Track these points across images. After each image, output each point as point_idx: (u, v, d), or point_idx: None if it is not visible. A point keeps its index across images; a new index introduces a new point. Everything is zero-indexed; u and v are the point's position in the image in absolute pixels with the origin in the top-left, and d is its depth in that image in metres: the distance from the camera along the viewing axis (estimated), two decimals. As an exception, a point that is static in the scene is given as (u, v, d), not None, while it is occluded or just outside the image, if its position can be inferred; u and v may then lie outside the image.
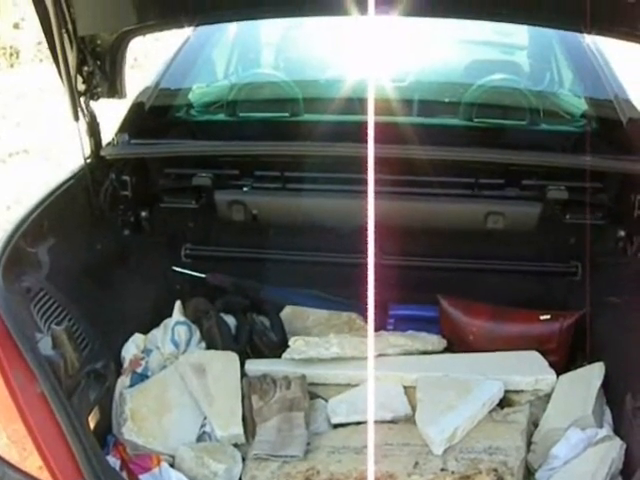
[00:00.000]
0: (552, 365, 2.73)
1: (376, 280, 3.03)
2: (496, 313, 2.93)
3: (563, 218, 3.05)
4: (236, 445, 2.45)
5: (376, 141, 2.64)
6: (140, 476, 2.28)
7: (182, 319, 2.87)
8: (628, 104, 3.15)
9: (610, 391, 2.60)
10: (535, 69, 4.02)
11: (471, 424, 2.42)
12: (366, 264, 3.03)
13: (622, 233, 3.01)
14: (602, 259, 3.07)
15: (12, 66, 10.96)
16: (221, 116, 3.40)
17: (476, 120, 3.16)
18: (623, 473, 2.30)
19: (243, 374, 2.70)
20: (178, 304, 2.93)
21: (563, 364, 2.80)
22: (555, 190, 2.98)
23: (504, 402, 2.61)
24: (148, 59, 8.68)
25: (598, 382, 2.58)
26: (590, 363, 2.73)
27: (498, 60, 4.19)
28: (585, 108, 3.40)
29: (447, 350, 2.92)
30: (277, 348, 2.88)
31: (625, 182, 2.97)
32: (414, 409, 2.53)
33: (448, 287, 3.09)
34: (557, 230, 3.12)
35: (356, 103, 3.12)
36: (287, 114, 3.24)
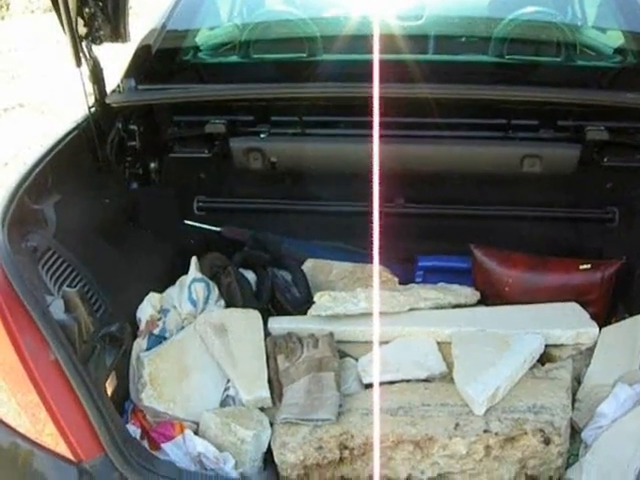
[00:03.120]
0: (593, 317, 2.58)
1: (401, 230, 2.90)
2: (533, 263, 2.77)
3: (600, 161, 2.88)
4: (262, 409, 2.31)
5: (402, 80, 2.48)
6: (163, 445, 2.15)
7: (199, 276, 2.71)
8: None
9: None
10: (569, 1, 3.79)
11: (512, 382, 2.27)
12: (391, 213, 2.89)
13: None
14: None
15: (2, 18, 10.74)
16: (234, 58, 3.23)
17: (508, 57, 2.98)
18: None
19: (267, 333, 2.55)
20: (194, 260, 2.76)
21: (604, 316, 2.66)
22: (595, 130, 2.81)
23: (544, 357, 2.46)
24: (145, 8, 8.49)
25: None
26: (633, 315, 2.58)
27: None
28: (623, 42, 3.21)
29: (480, 303, 2.77)
30: (301, 304, 2.73)
31: None
32: (449, 367, 2.39)
33: (478, 236, 2.94)
34: (594, 174, 2.95)
35: (378, 41, 2.93)
36: (304, 54, 3.07)
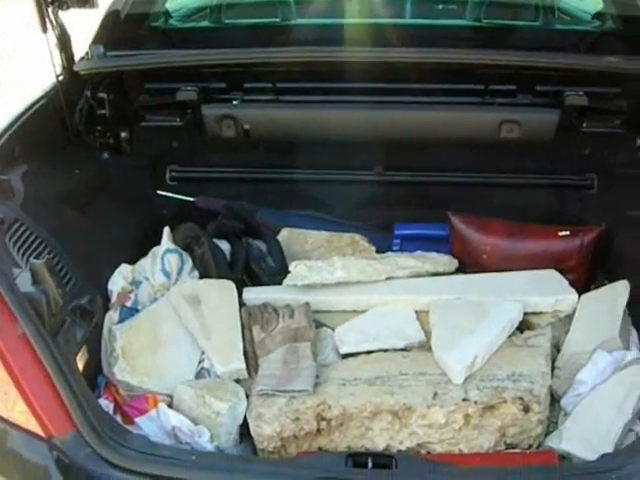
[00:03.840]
0: (572, 284, 2.55)
1: (379, 198, 2.86)
2: (511, 230, 2.73)
3: (579, 126, 2.85)
4: (238, 381, 2.27)
5: (378, 45, 2.41)
6: (136, 419, 2.11)
7: (172, 247, 2.65)
8: None
9: (635, 311, 2.44)
10: None
11: (491, 350, 2.24)
12: (368, 181, 2.85)
13: None
14: (620, 170, 2.89)
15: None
16: (205, 23, 3.15)
17: (485, 20, 2.93)
18: (655, 398, 2.16)
19: (241, 304, 2.50)
20: (167, 230, 2.70)
21: (583, 283, 2.64)
22: (573, 96, 2.77)
23: (523, 325, 2.44)
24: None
25: (623, 301, 2.41)
26: (612, 281, 2.55)
27: None
28: (602, 6, 3.17)
29: (459, 271, 2.74)
30: (277, 274, 2.67)
31: None
32: (428, 335, 2.35)
33: (457, 203, 2.90)
34: (572, 140, 2.91)
35: (354, 4, 2.88)
36: (277, 19, 3.00)
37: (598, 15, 3.24)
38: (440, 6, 3.40)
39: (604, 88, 2.85)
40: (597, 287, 2.61)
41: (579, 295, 2.49)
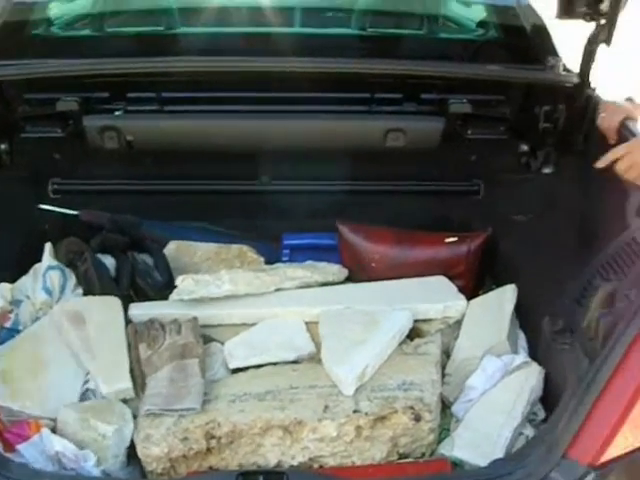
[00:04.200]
0: (461, 290, 2.58)
1: (266, 208, 2.83)
2: (399, 237, 2.75)
3: (464, 133, 2.88)
4: (125, 401, 2.19)
5: (261, 54, 2.38)
6: (18, 446, 2.00)
7: (54, 263, 2.55)
8: (530, 10, 2.98)
9: (523, 315, 2.48)
10: None
11: (381, 359, 2.24)
12: (256, 191, 2.81)
13: (525, 148, 2.87)
14: (505, 176, 2.94)
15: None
16: (87, 32, 3.05)
17: (370, 30, 2.93)
18: (543, 400, 2.20)
19: (127, 320, 2.43)
20: (48, 246, 2.60)
21: (472, 288, 2.68)
22: (457, 104, 2.80)
23: (413, 333, 2.44)
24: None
25: (511, 306, 2.45)
26: (500, 286, 2.59)
27: None
28: (486, 15, 3.22)
29: (349, 280, 2.74)
30: (164, 289, 2.60)
31: (529, 93, 2.82)
32: (318, 346, 2.33)
33: (346, 212, 2.89)
34: (458, 147, 2.95)
35: (238, 13, 2.84)
36: (161, 27, 2.94)
37: (482, 24, 3.29)
38: (329, 15, 3.39)
39: (487, 96, 2.90)
40: (485, 292, 2.64)
41: (468, 301, 2.52)
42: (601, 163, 2.20)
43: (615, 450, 1.68)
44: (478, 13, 3.34)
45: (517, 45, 2.96)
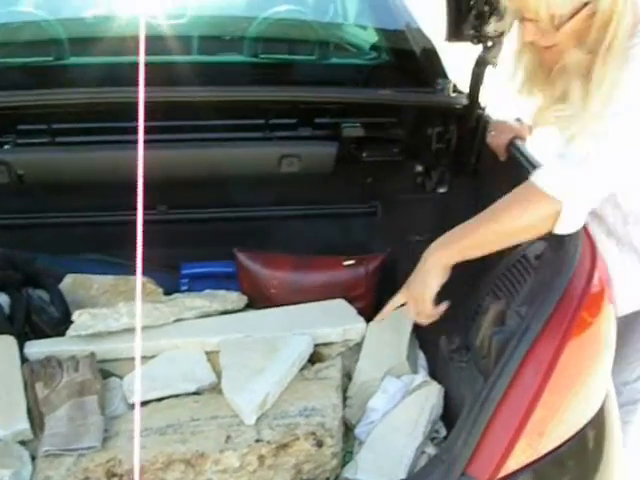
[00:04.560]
0: (360, 312, 2.60)
1: (164, 237, 2.79)
2: (297, 263, 2.75)
3: (359, 156, 2.91)
4: (23, 443, 2.12)
5: (154, 84, 2.35)
6: None
7: (-56, 303, 2.47)
8: (420, 34, 3.03)
9: (422, 334, 2.51)
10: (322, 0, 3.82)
11: (282, 386, 2.23)
12: (153, 221, 2.76)
13: (420, 168, 2.92)
14: (401, 196, 2.98)
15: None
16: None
17: (262, 56, 2.94)
18: (444, 418, 2.22)
19: (23, 359, 2.36)
20: None
21: (372, 310, 2.68)
22: (350, 127, 2.83)
23: (315, 357, 2.44)
24: None
25: (409, 326, 2.47)
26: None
27: None
28: (376, 39, 3.27)
29: (249, 307, 2.72)
30: (60, 325, 2.52)
31: (420, 115, 2.87)
32: (220, 376, 2.31)
33: (245, 239, 2.87)
34: (354, 169, 2.97)
35: (130, 43, 2.80)
36: (51, 58, 2.87)
37: (374, 48, 3.33)
38: (227, 42, 3.37)
39: (381, 118, 2.93)
40: (385, 313, 2.66)
41: (367, 322, 2.53)
42: (381, 317, 2.24)
43: (513, 464, 1.70)
44: (371, 37, 3.39)
45: (408, 68, 3.01)
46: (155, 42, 2.99)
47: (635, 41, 1.81)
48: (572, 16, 1.80)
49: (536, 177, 1.86)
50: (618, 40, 1.78)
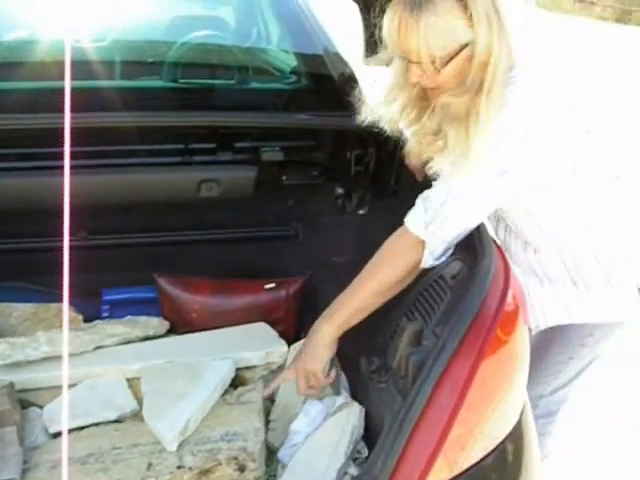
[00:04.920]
0: (282, 335, 2.61)
1: (84, 264, 2.75)
2: (218, 287, 2.76)
3: (280, 180, 2.93)
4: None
5: (74, 109, 2.34)
6: None
7: None
8: (339, 59, 3.07)
9: (343, 355, 2.53)
10: (242, 25, 3.86)
11: (204, 412, 2.23)
12: (73, 247, 2.73)
13: (340, 190, 2.96)
14: (322, 219, 3.01)
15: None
16: None
17: (181, 81, 2.94)
18: (365, 438, 2.23)
19: (-61, 392, 2.29)
20: None
21: (293, 332, 2.70)
22: (270, 152, 2.85)
23: (237, 381, 2.44)
24: None
25: (332, 348, 2.49)
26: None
27: (202, 16, 3.99)
28: (295, 64, 3.30)
29: (171, 332, 2.70)
30: (-22, 355, 2.48)
31: (339, 139, 2.91)
32: (141, 403, 2.29)
33: (166, 264, 2.86)
34: (275, 193, 2.99)
35: (48, 67, 2.77)
36: None
37: (294, 72, 3.36)
38: (145, 65, 3.36)
39: (300, 142, 2.96)
40: (306, 335, 2.67)
41: (289, 345, 2.54)
42: (267, 392, 2.32)
43: (432, 483, 1.73)
44: (290, 62, 3.42)
45: (326, 92, 3.05)
46: (75, 66, 2.96)
47: (510, 88, 1.89)
48: (452, 58, 1.88)
49: (406, 218, 2.05)
50: (497, 83, 1.87)
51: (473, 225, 2.02)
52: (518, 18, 1.94)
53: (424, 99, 2.09)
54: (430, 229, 2.01)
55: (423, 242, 2.03)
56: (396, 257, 2.09)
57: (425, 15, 1.83)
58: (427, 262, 2.05)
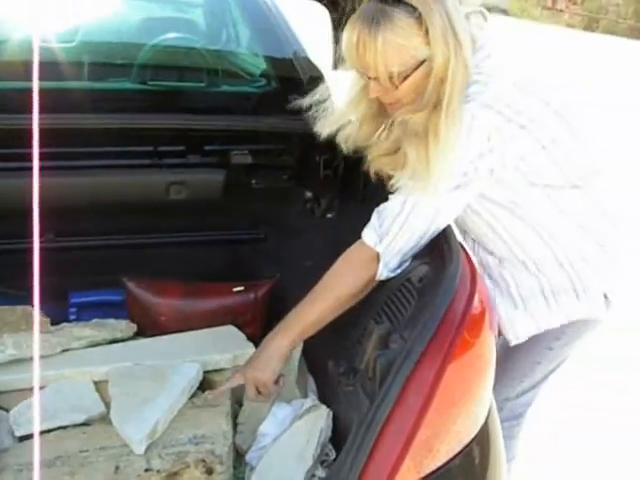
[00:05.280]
0: (250, 337, 2.61)
1: (51, 266, 2.73)
2: (187, 290, 2.75)
3: (249, 183, 2.94)
4: None
5: (42, 110, 2.33)
6: None
7: None
8: (308, 62, 3.08)
9: (311, 358, 2.54)
10: (212, 27, 3.86)
11: (172, 414, 2.23)
12: (40, 249, 2.70)
13: (309, 194, 2.96)
14: (291, 222, 3.01)
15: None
16: None
17: (150, 83, 2.94)
18: (333, 440, 2.25)
19: None
20: None
21: (261, 335, 2.68)
22: (239, 155, 2.85)
23: (205, 384, 2.44)
24: None
25: (298, 351, 2.50)
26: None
27: (172, 18, 3.99)
28: (265, 67, 3.30)
29: (138, 335, 2.69)
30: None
31: (308, 143, 2.91)
32: (109, 406, 2.28)
33: (135, 267, 2.85)
34: (244, 196, 3.00)
35: (16, 67, 2.75)
36: None
37: (264, 76, 3.36)
38: (114, 66, 3.35)
39: (270, 145, 2.96)
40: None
41: (257, 348, 2.54)
42: (217, 395, 2.32)
43: (400, 484, 1.74)
44: (260, 65, 3.42)
45: (295, 96, 3.05)
46: (43, 67, 2.94)
47: (467, 105, 1.92)
48: (409, 74, 1.91)
49: (363, 232, 2.08)
50: (454, 99, 1.89)
51: (429, 236, 2.04)
52: (476, 34, 1.98)
53: (382, 116, 2.12)
54: (384, 242, 2.03)
55: (378, 255, 2.05)
56: (353, 270, 2.10)
57: (382, 32, 1.86)
58: (382, 274, 2.07)
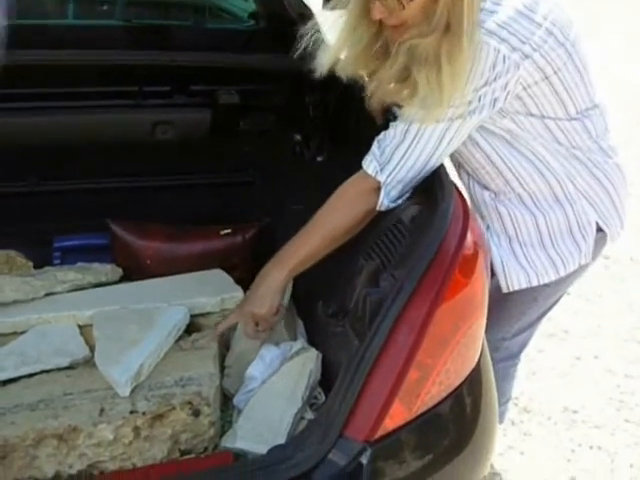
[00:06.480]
0: (238, 281, 2.56)
1: (36, 209, 2.69)
2: (173, 233, 2.70)
3: (237, 125, 2.87)
4: None
5: (24, 46, 2.26)
6: None
7: None
8: (298, 1, 3.00)
9: (300, 301, 2.50)
10: None
11: (158, 357, 2.19)
12: (22, 193, 2.67)
13: (298, 137, 2.90)
14: (279, 165, 2.96)
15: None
16: None
17: (135, 21, 2.86)
18: (322, 383, 2.23)
19: None
20: None
21: (249, 279, 2.65)
22: (225, 94, 2.79)
23: (192, 327, 2.40)
24: None
25: (287, 293, 2.45)
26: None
27: None
28: (254, 5, 3.22)
29: (124, 279, 2.65)
30: None
31: (298, 82, 2.85)
32: (93, 350, 2.23)
33: (120, 210, 2.79)
34: (231, 138, 2.94)
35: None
36: None
37: (253, 15, 3.29)
38: (104, 6, 3.27)
39: (257, 86, 2.89)
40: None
41: (245, 292, 2.51)
42: (221, 328, 2.29)
43: (390, 424, 1.71)
44: (250, 4, 3.34)
45: (285, 35, 2.99)
46: (27, 3, 2.87)
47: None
48: None
49: (363, 161, 2.02)
50: (471, 21, 1.78)
51: (431, 166, 1.98)
52: None
53: (384, 43, 2.02)
54: (386, 170, 1.97)
55: (379, 187, 1.99)
56: (350, 203, 2.05)
57: None
58: (383, 204, 2.01)
